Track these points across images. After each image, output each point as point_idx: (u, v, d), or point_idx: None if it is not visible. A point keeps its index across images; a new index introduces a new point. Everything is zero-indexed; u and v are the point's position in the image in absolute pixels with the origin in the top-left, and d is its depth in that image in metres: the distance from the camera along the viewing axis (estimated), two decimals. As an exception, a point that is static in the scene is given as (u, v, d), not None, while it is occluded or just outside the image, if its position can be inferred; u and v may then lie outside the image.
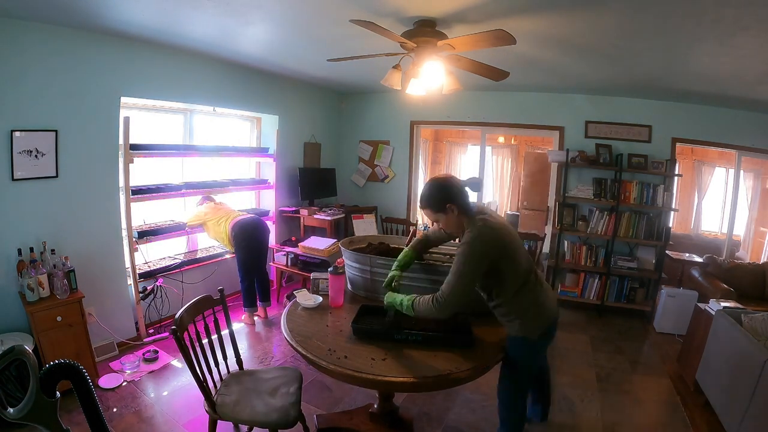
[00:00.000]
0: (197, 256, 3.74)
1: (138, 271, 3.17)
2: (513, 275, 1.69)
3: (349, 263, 2.26)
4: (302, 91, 4.73)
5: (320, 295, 2.21)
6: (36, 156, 2.52)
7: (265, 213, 4.39)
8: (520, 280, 1.71)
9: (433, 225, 1.88)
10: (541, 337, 1.78)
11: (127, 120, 2.94)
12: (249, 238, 3.41)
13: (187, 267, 3.57)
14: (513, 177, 7.86)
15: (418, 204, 1.85)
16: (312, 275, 2.30)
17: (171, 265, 3.45)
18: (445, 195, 1.69)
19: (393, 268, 1.93)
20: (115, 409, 2.41)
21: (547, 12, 2.07)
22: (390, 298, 1.80)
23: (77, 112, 2.70)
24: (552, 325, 1.84)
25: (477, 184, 1.78)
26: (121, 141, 2.95)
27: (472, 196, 1.79)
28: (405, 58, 2.46)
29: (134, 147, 3.03)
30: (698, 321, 3.03)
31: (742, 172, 4.67)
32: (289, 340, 1.76)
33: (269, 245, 3.83)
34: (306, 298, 2.12)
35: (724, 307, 2.81)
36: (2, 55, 2.33)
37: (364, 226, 4.53)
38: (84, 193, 2.80)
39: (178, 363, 2.95)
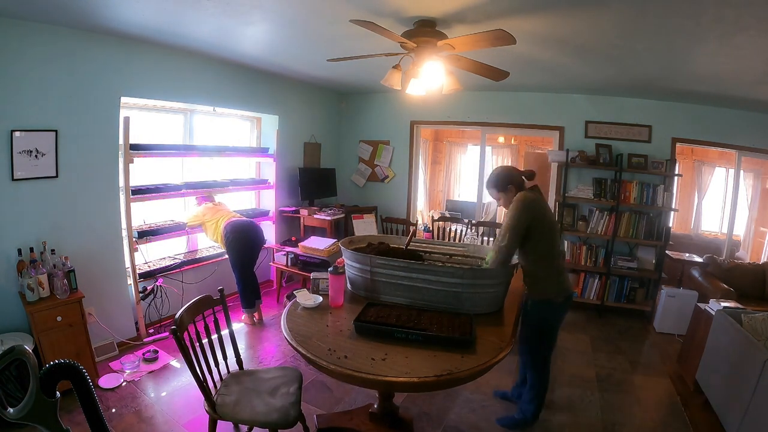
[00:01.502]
0: (197, 256, 3.74)
1: (138, 271, 3.17)
2: (547, 240, 2.12)
3: (349, 263, 2.26)
4: (302, 91, 4.73)
5: (320, 295, 2.20)
6: (36, 156, 2.52)
7: (265, 213, 4.40)
8: (552, 249, 2.15)
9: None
10: (562, 302, 2.18)
11: (127, 120, 2.94)
12: (240, 240, 3.37)
13: (187, 267, 3.57)
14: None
15: (485, 184, 2.36)
16: (312, 275, 2.30)
17: (171, 265, 3.45)
18: (506, 179, 2.22)
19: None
20: (114, 409, 2.41)
21: (546, 12, 2.07)
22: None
23: (77, 112, 2.71)
24: (569, 298, 2.23)
25: (532, 174, 2.27)
26: (121, 141, 2.95)
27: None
28: (405, 58, 2.46)
29: (134, 147, 3.03)
30: (698, 321, 3.03)
31: (742, 172, 4.67)
32: (289, 340, 1.76)
33: (264, 246, 3.80)
34: (306, 298, 2.12)
35: (724, 307, 2.81)
36: (2, 55, 2.34)
37: (364, 226, 4.54)
38: (84, 193, 2.80)
39: (177, 363, 2.95)
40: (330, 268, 2.09)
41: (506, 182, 2.21)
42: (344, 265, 2.19)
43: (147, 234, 3.22)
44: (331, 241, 3.86)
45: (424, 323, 1.83)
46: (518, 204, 2.06)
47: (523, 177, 2.24)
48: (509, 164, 2.40)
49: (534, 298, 2.21)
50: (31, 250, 2.48)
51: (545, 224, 2.10)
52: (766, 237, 5.78)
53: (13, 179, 2.44)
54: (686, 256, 4.43)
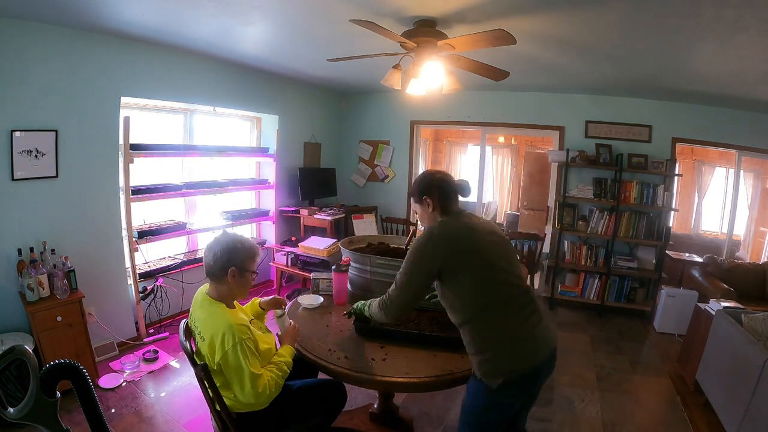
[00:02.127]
0: (197, 256, 3.73)
1: (138, 271, 3.17)
2: (476, 286, 1.36)
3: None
4: (302, 91, 4.73)
5: (320, 295, 2.21)
6: (36, 156, 2.52)
7: (265, 213, 4.39)
8: (489, 296, 1.36)
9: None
10: (503, 387, 1.31)
11: (127, 120, 2.93)
12: None
13: (187, 267, 3.56)
14: (513, 177, 7.87)
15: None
16: (312, 275, 2.31)
17: (171, 265, 3.45)
18: (424, 187, 1.55)
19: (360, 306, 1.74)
20: (114, 409, 2.41)
21: (546, 12, 2.07)
22: (356, 310, 1.75)
23: (77, 112, 2.70)
24: (528, 375, 1.35)
25: (466, 188, 1.58)
26: (121, 141, 2.95)
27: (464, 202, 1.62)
28: (405, 57, 2.46)
29: (134, 147, 3.03)
30: (698, 321, 3.03)
31: (742, 172, 4.67)
32: (289, 340, 1.75)
33: (264, 246, 3.73)
34: (309, 300, 2.13)
35: (724, 307, 2.81)
36: (2, 55, 2.33)
37: (364, 226, 4.53)
38: (84, 193, 2.80)
39: (177, 363, 2.95)
40: (333, 266, 2.11)
41: (422, 191, 1.55)
42: (349, 264, 2.19)
43: (147, 234, 3.22)
44: (331, 241, 3.86)
45: (424, 323, 1.83)
46: (422, 242, 1.41)
47: (454, 190, 1.55)
48: (441, 170, 1.65)
49: (473, 374, 1.41)
50: (31, 250, 2.48)
51: (472, 264, 1.37)
52: (766, 237, 5.78)
53: (13, 179, 2.44)
54: (686, 256, 4.43)
